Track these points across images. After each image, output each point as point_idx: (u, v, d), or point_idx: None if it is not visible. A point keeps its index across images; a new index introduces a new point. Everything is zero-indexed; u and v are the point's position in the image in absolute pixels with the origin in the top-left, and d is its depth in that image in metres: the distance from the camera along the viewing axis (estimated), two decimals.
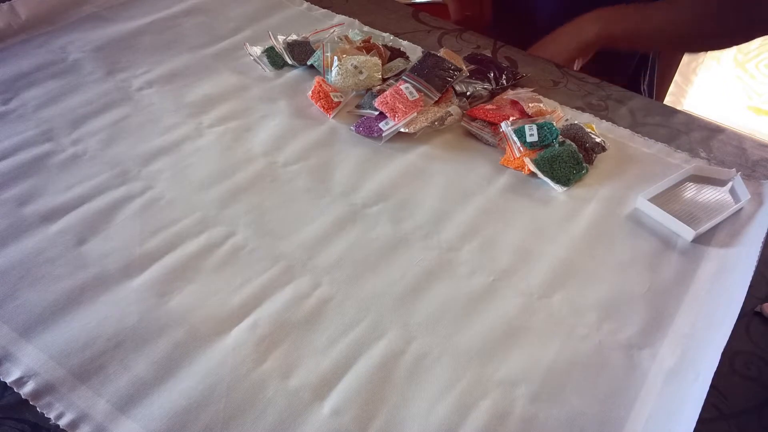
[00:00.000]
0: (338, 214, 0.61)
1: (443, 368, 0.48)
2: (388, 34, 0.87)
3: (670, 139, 0.73)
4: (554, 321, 0.53)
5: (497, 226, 0.61)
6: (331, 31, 0.86)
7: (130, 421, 0.43)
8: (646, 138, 0.73)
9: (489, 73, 0.77)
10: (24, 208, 0.58)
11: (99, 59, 0.78)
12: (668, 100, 1.86)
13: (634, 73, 1.05)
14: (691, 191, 0.66)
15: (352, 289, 0.54)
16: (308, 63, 0.79)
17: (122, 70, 0.77)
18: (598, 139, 0.69)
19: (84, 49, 0.80)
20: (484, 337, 0.51)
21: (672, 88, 1.84)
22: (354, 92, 0.75)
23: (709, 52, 1.82)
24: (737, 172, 0.66)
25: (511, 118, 0.69)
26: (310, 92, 0.74)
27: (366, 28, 0.88)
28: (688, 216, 0.62)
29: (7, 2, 0.82)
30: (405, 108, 0.69)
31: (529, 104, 0.71)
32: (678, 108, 0.89)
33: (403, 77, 0.72)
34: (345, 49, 0.76)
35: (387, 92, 0.70)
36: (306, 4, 0.93)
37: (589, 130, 0.70)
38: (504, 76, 0.78)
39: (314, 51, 0.79)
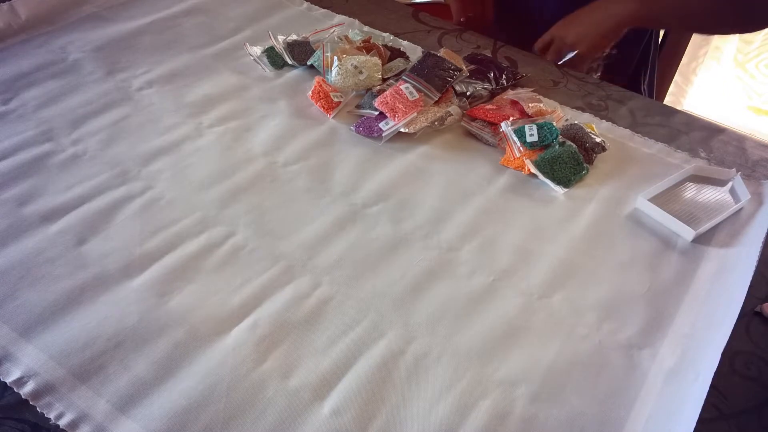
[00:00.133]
0: (338, 214, 0.61)
1: (443, 368, 0.48)
2: (388, 34, 0.87)
3: (670, 139, 0.73)
4: (554, 321, 0.53)
5: (497, 226, 0.61)
6: (331, 31, 0.86)
7: (130, 421, 0.43)
8: (646, 138, 0.73)
9: (489, 73, 0.77)
10: (24, 208, 0.58)
11: (99, 59, 0.78)
12: (668, 100, 1.86)
13: (634, 73, 1.05)
14: (691, 191, 0.66)
15: (352, 289, 0.54)
16: (308, 63, 0.79)
17: (122, 70, 0.77)
18: (598, 139, 0.69)
19: (84, 49, 0.80)
20: (484, 337, 0.51)
21: (672, 88, 1.84)
22: (354, 92, 0.75)
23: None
24: (737, 172, 0.66)
25: (511, 118, 0.69)
26: (310, 92, 0.74)
27: (366, 28, 0.88)
28: (688, 216, 0.62)
29: (7, 2, 0.82)
30: (405, 108, 0.69)
31: (529, 104, 0.71)
32: (678, 108, 0.89)
33: (403, 77, 0.72)
34: (345, 49, 0.76)
35: (387, 92, 0.70)
36: (306, 4, 0.93)
37: (589, 130, 0.70)
38: (504, 76, 0.78)
39: (314, 51, 0.79)
